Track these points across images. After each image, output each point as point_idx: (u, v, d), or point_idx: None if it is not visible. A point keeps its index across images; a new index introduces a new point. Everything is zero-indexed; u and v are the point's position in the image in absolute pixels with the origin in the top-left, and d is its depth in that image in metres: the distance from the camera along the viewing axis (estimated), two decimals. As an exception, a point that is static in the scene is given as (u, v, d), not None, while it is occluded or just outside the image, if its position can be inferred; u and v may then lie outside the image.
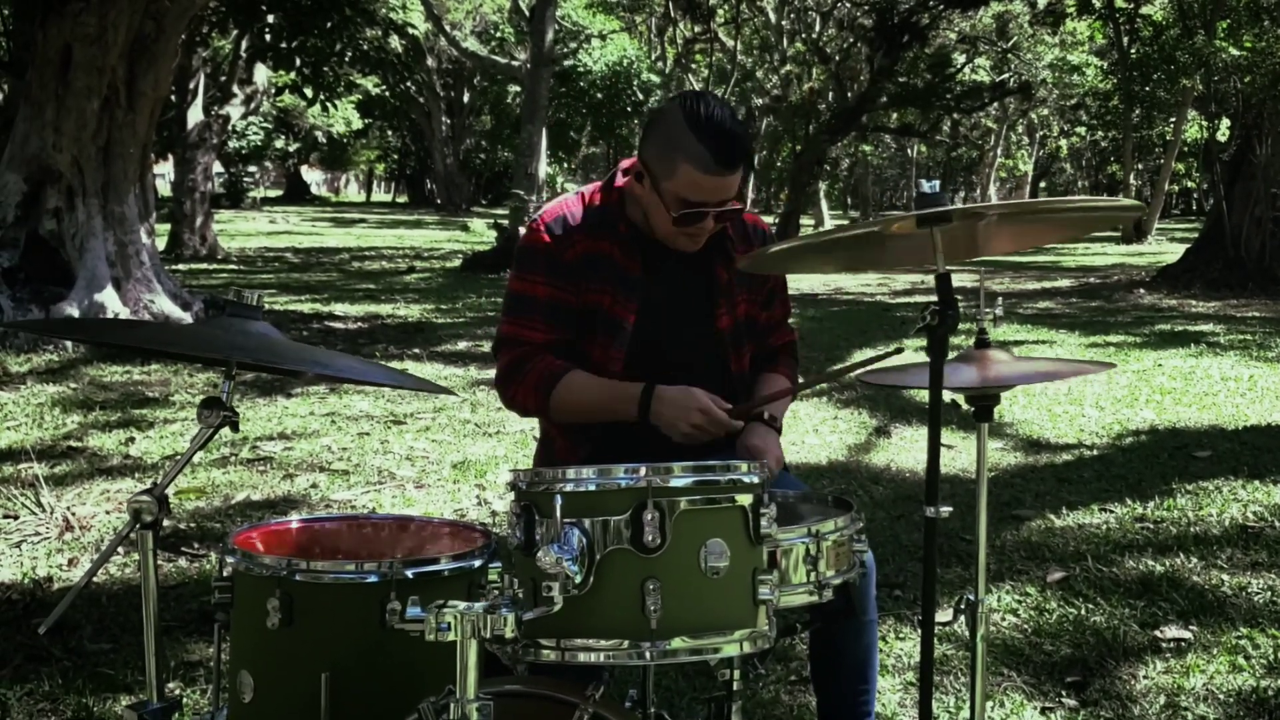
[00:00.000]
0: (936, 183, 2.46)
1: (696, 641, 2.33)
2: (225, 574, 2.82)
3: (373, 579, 2.67)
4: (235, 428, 2.67)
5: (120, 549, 5.93)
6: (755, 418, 3.45)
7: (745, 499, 2.41)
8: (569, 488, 2.35)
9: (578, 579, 2.27)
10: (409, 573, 2.69)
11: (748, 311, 3.59)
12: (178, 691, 4.42)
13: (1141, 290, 22.09)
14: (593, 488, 2.35)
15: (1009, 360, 3.01)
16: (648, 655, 2.31)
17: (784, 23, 42.54)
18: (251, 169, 56.47)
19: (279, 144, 60.66)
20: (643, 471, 2.34)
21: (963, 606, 3.06)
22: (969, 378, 2.90)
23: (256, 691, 2.73)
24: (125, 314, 12.55)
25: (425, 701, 2.41)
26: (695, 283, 3.51)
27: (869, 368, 3.23)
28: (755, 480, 2.43)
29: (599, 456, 3.45)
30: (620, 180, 3.49)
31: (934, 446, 2.55)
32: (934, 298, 2.50)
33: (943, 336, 2.48)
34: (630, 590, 2.30)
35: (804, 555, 2.67)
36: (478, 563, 2.80)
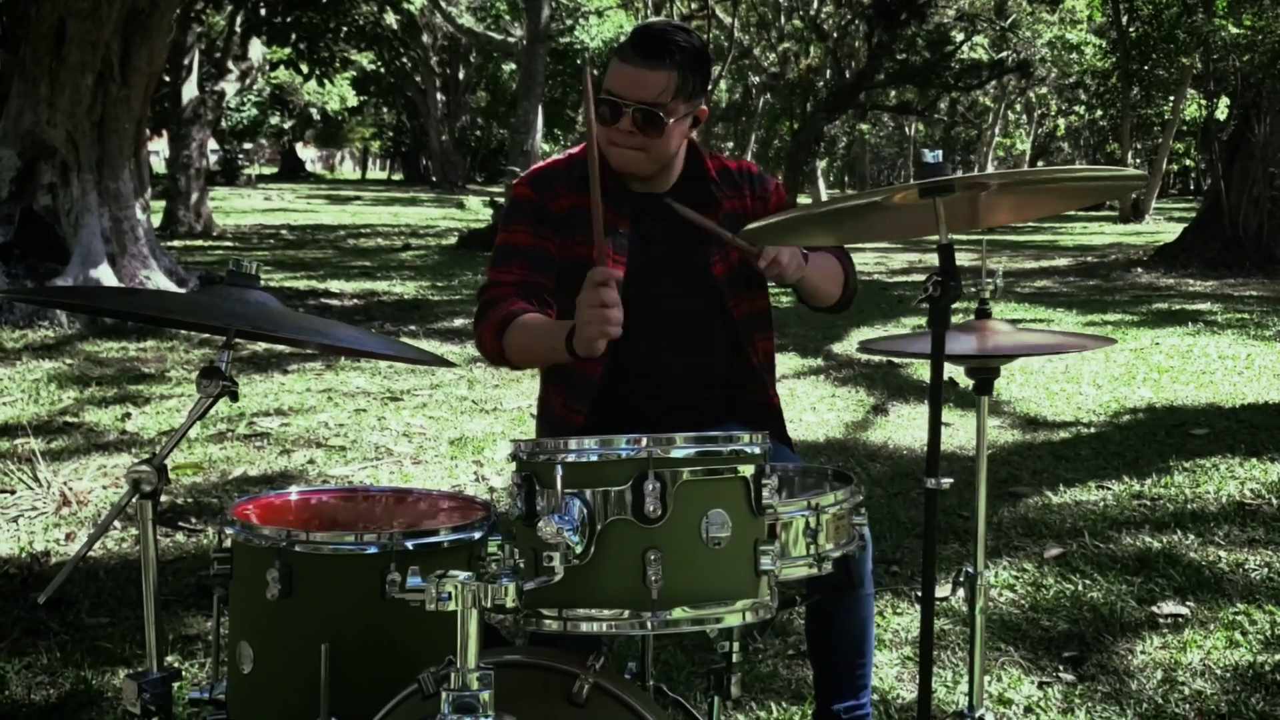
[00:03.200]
0: (939, 153, 2.45)
1: (698, 611, 2.34)
2: (224, 545, 2.82)
3: (372, 550, 2.67)
4: (235, 398, 2.67)
5: (117, 525, 5.95)
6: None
7: (747, 470, 2.41)
8: (570, 458, 2.34)
9: (578, 549, 2.27)
10: (409, 544, 2.70)
11: (740, 257, 3.48)
12: (176, 664, 4.43)
13: (1139, 269, 22.09)
14: (594, 458, 2.35)
15: (1010, 331, 3.02)
16: (649, 625, 2.31)
17: (781, 0, 42.44)
18: (246, 146, 56.42)
19: (274, 121, 60.61)
20: (644, 442, 2.34)
21: (961, 580, 3.08)
22: (968, 346, 2.91)
23: (256, 662, 2.74)
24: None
25: (425, 672, 2.41)
26: (684, 232, 3.46)
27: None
28: (757, 451, 2.43)
29: (596, 418, 3.45)
30: None
31: (935, 417, 2.55)
32: (934, 274, 2.51)
33: (945, 307, 2.48)
34: (631, 560, 2.30)
35: (804, 528, 2.68)
36: (478, 535, 2.80)
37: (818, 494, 2.75)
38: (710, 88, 3.56)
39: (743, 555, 2.39)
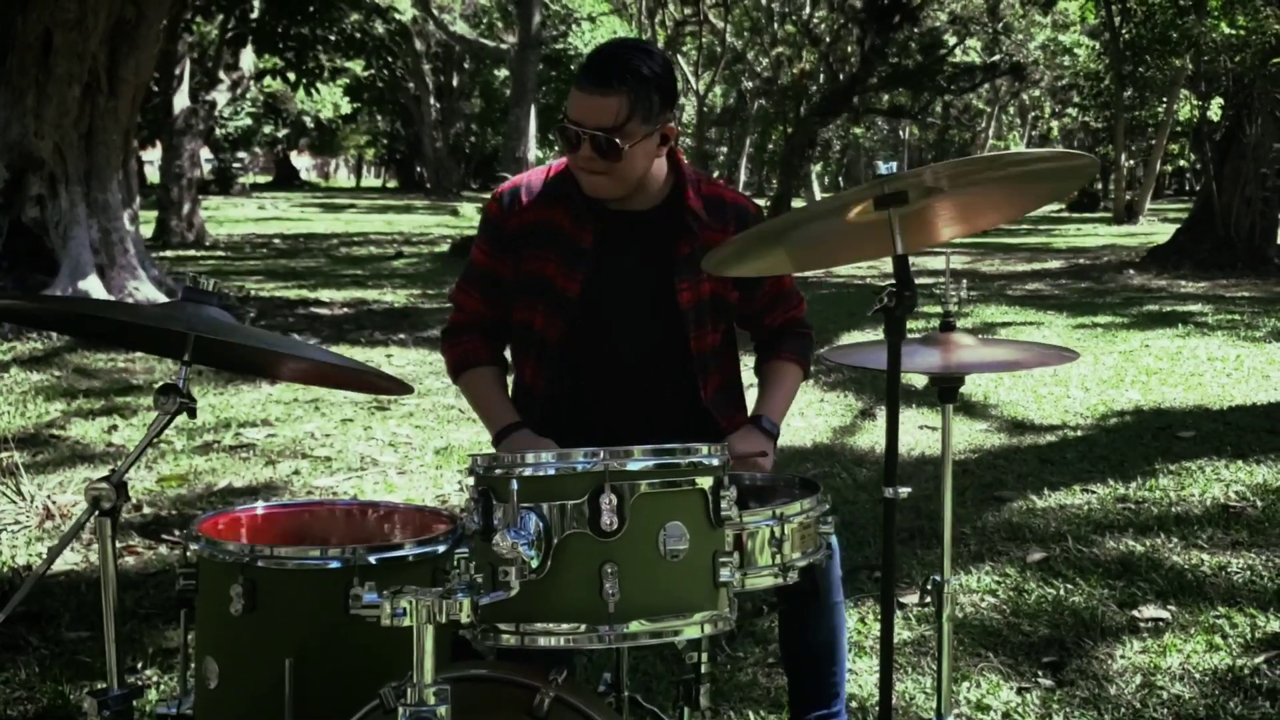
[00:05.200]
0: (894, 164, 2.45)
1: (656, 624, 2.34)
2: (190, 561, 2.83)
3: (335, 565, 2.68)
4: (193, 414, 2.67)
5: (86, 532, 5.94)
6: (751, 421, 3.48)
7: (705, 481, 2.42)
8: (527, 472, 2.35)
9: (534, 564, 2.29)
10: (372, 559, 2.71)
11: (714, 290, 3.48)
12: (154, 678, 4.44)
13: (1131, 271, 22.10)
14: (551, 472, 2.36)
15: (973, 345, 3.01)
16: (606, 639, 2.32)
17: (774, 4, 42.50)
18: (240, 155, 56.39)
19: (267, 129, 60.62)
20: (601, 455, 2.35)
21: (929, 588, 3.08)
22: (930, 361, 2.91)
23: (221, 677, 2.75)
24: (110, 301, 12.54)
25: (386, 686, 2.42)
26: (655, 258, 3.46)
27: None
28: (716, 463, 2.44)
29: (558, 434, 3.45)
30: None
31: (892, 427, 2.56)
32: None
33: (900, 318, 2.48)
34: (588, 574, 2.31)
35: (769, 538, 2.68)
36: (442, 548, 2.81)
37: (783, 503, 2.75)
38: (684, 98, 3.56)
39: (701, 567, 2.40)
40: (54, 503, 6.39)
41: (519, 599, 2.27)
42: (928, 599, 5.09)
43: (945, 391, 2.93)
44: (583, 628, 2.31)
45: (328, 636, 2.69)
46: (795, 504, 2.76)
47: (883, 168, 2.43)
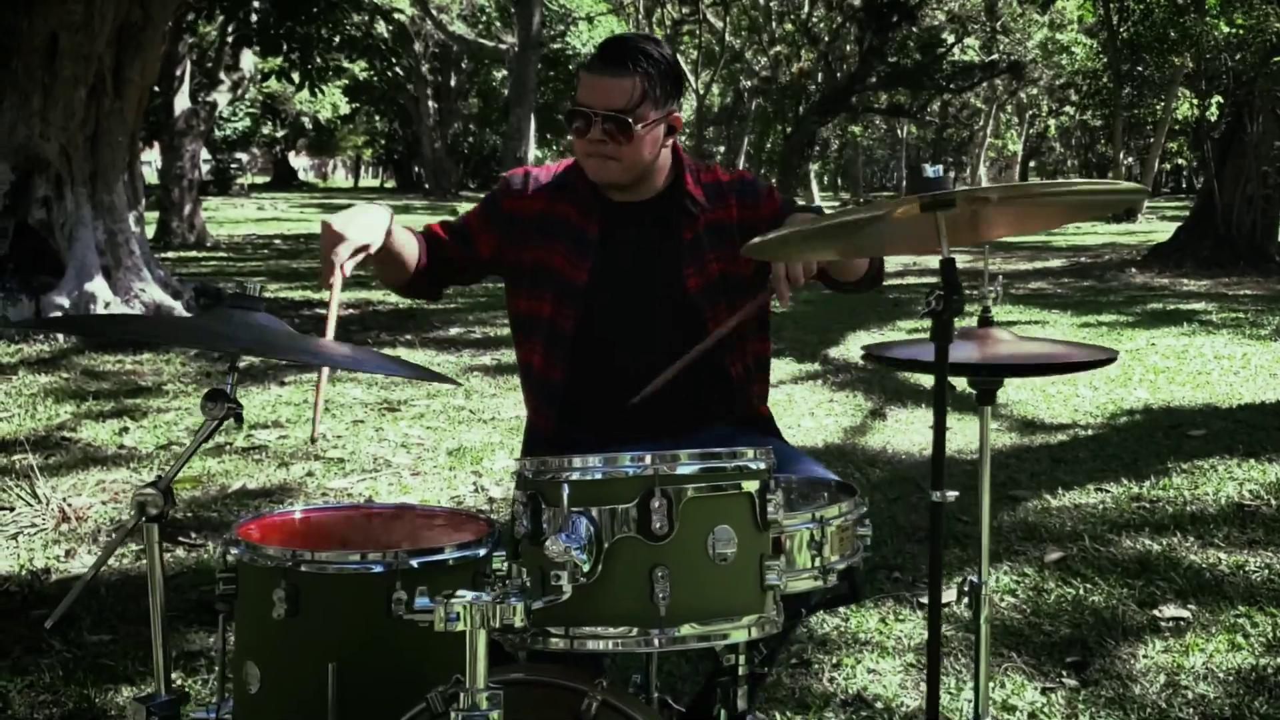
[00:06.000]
0: (939, 168, 2.45)
1: (705, 628, 2.34)
2: (229, 565, 2.83)
3: (378, 569, 2.68)
4: (240, 420, 2.67)
5: (103, 535, 5.96)
6: None
7: (751, 485, 2.41)
8: (575, 476, 2.35)
9: (586, 568, 2.28)
10: (414, 563, 2.70)
11: (721, 269, 3.49)
12: (179, 681, 4.43)
13: (1133, 269, 22.11)
14: (599, 476, 2.35)
15: (1011, 340, 3.02)
16: (656, 642, 2.32)
17: (772, 3, 42.48)
18: (239, 155, 56.36)
19: (266, 130, 60.59)
20: (648, 460, 2.35)
21: (965, 589, 3.08)
22: (968, 354, 2.91)
23: (263, 682, 2.74)
24: (116, 302, 12.52)
25: (434, 691, 2.42)
26: (660, 246, 3.49)
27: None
28: (762, 466, 2.44)
29: (563, 425, 3.48)
30: None
31: (939, 431, 2.55)
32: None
33: (947, 321, 2.48)
34: (638, 578, 2.30)
35: (808, 540, 2.68)
36: (482, 552, 2.81)
37: (822, 506, 2.75)
38: (684, 96, 3.57)
39: (749, 570, 2.40)
40: (69, 505, 6.39)
41: (569, 603, 2.27)
42: (949, 600, 5.13)
43: (983, 394, 2.93)
44: (634, 631, 2.31)
45: (370, 640, 2.69)
46: (834, 507, 2.76)
47: (929, 170, 2.43)
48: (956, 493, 2.69)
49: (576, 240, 3.46)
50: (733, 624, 2.38)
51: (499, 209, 3.54)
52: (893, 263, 24.13)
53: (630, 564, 2.31)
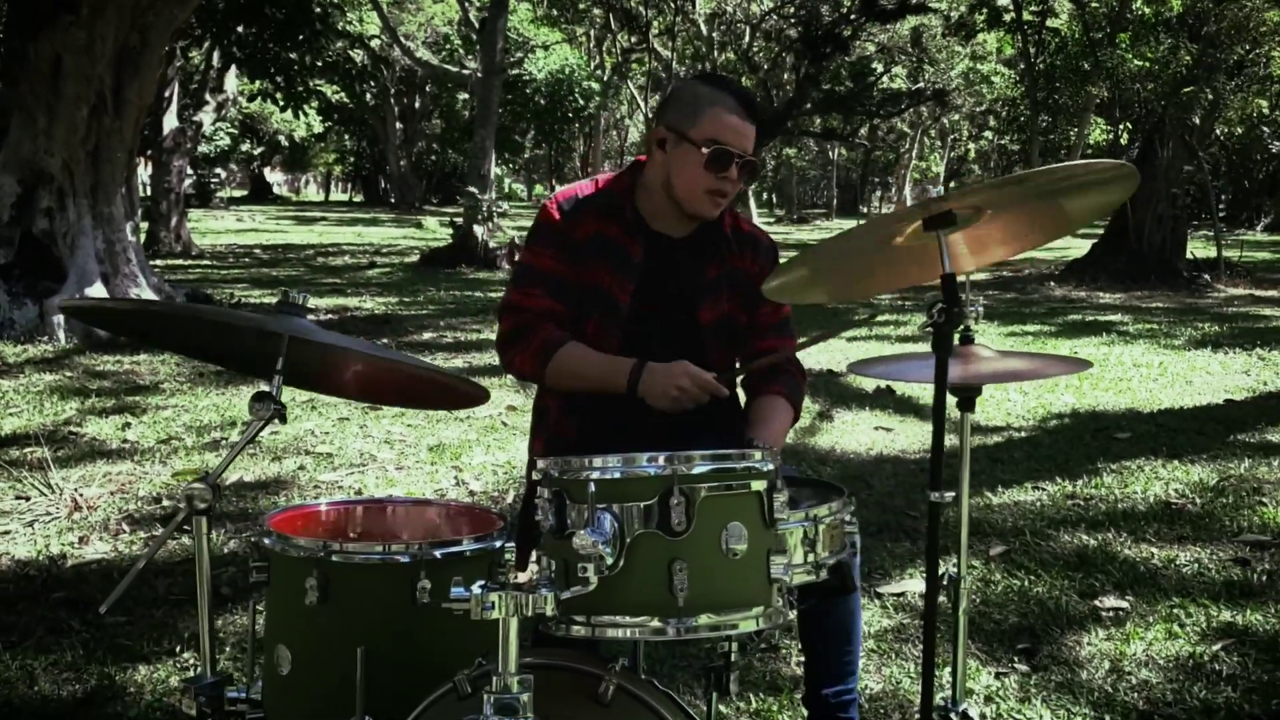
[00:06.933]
0: (941, 188, 2.46)
1: (720, 618, 2.34)
2: (262, 554, 2.81)
3: (404, 559, 2.67)
4: (284, 419, 2.65)
5: (126, 528, 5.91)
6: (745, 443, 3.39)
7: (760, 485, 2.42)
8: (596, 475, 2.34)
9: (609, 560, 2.28)
10: (437, 553, 2.70)
11: (730, 311, 3.51)
12: (192, 660, 4.40)
13: (1052, 283, 22.26)
14: (618, 475, 2.35)
15: (993, 357, 3.02)
16: (672, 632, 2.32)
17: (715, 34, 42.48)
18: (219, 171, 55.93)
19: (245, 147, 60.21)
20: (662, 460, 2.35)
21: (944, 583, 3.08)
22: (953, 373, 2.91)
23: (294, 664, 2.73)
24: (112, 307, 12.44)
25: (460, 674, 2.41)
26: (686, 278, 3.47)
27: (842, 332, 3.23)
28: (769, 467, 2.44)
29: (588, 426, 3.45)
30: (643, 158, 3.52)
31: (938, 436, 2.57)
32: (939, 301, 2.51)
33: (948, 334, 2.49)
34: (658, 570, 2.30)
35: (802, 538, 2.68)
36: (498, 543, 2.81)
37: (814, 505, 2.75)
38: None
39: (758, 565, 2.40)
40: (81, 495, 6.34)
41: (592, 593, 2.27)
42: (905, 591, 5.15)
43: (964, 402, 2.94)
44: (654, 620, 2.31)
45: (396, 626, 2.69)
46: (824, 506, 2.76)
47: (933, 190, 2.44)
48: (953, 493, 2.70)
49: (622, 262, 3.41)
50: (743, 615, 2.38)
51: (570, 238, 3.43)
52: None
53: (651, 557, 2.31)
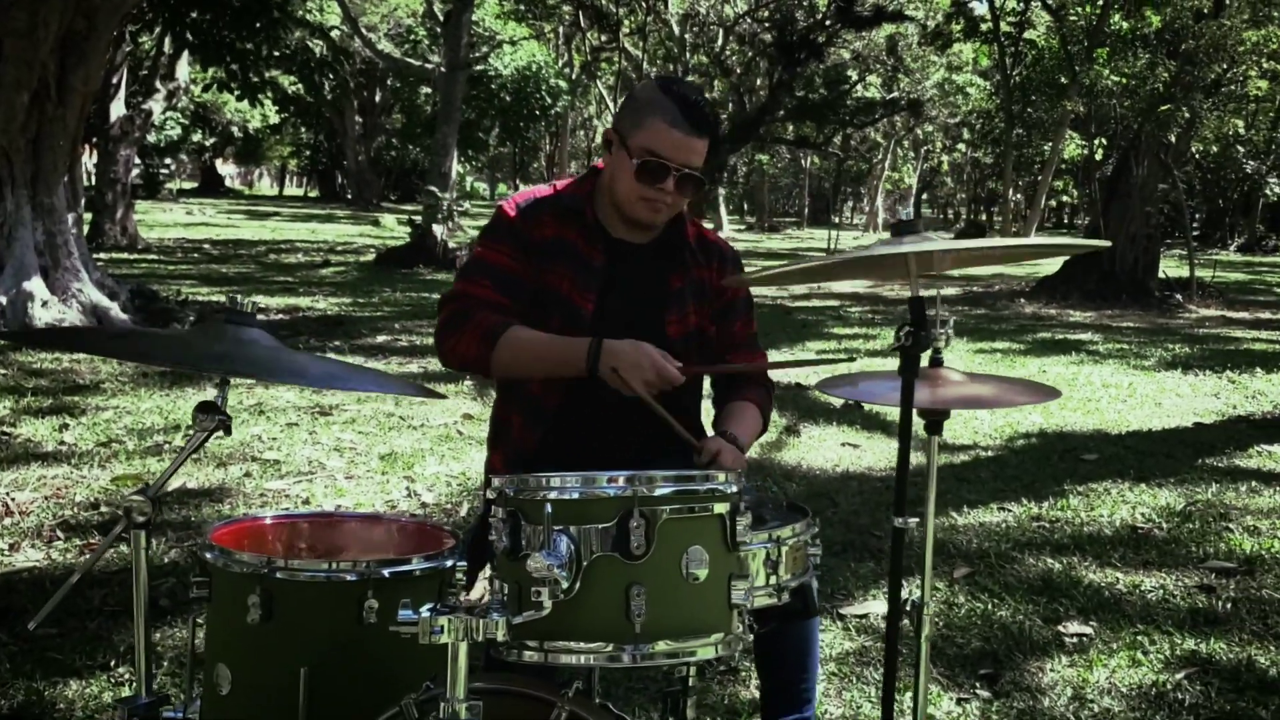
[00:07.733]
0: (911, 210, 2.48)
1: (678, 644, 2.33)
2: (204, 569, 2.78)
3: (351, 578, 2.65)
4: (229, 431, 2.62)
5: (60, 535, 5.85)
6: (720, 433, 3.37)
7: (722, 507, 2.40)
8: (554, 495, 2.33)
9: (565, 584, 2.26)
10: (385, 572, 2.67)
11: (698, 324, 3.48)
12: (127, 675, 4.35)
13: (1022, 300, 22.35)
14: (576, 495, 2.33)
15: (962, 381, 3.02)
16: (629, 658, 2.30)
17: (687, 36, 42.56)
18: (168, 161, 55.61)
19: (196, 138, 59.89)
20: (622, 480, 2.33)
21: (908, 608, 3.08)
22: (921, 396, 2.91)
23: (234, 684, 2.70)
24: (53, 301, 12.33)
25: (408, 698, 2.38)
26: (650, 288, 3.44)
27: (817, 364, 3.22)
28: (732, 490, 2.43)
29: (554, 437, 3.40)
30: (598, 163, 3.50)
31: (903, 459, 2.58)
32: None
33: (915, 356, 2.50)
34: (615, 595, 2.28)
35: (765, 559, 2.68)
36: (449, 563, 2.78)
37: (777, 526, 2.75)
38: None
39: (718, 590, 2.39)
40: (12, 499, 6.27)
41: (547, 617, 2.25)
42: (868, 612, 5.15)
43: (932, 424, 2.94)
44: (609, 647, 2.29)
45: (341, 646, 2.66)
46: (788, 527, 2.76)
47: (902, 212, 2.44)
48: (916, 519, 2.70)
49: (583, 268, 3.37)
50: (702, 641, 2.37)
51: (528, 238, 3.39)
52: (798, 288, 24.26)
53: (608, 581, 2.29)
